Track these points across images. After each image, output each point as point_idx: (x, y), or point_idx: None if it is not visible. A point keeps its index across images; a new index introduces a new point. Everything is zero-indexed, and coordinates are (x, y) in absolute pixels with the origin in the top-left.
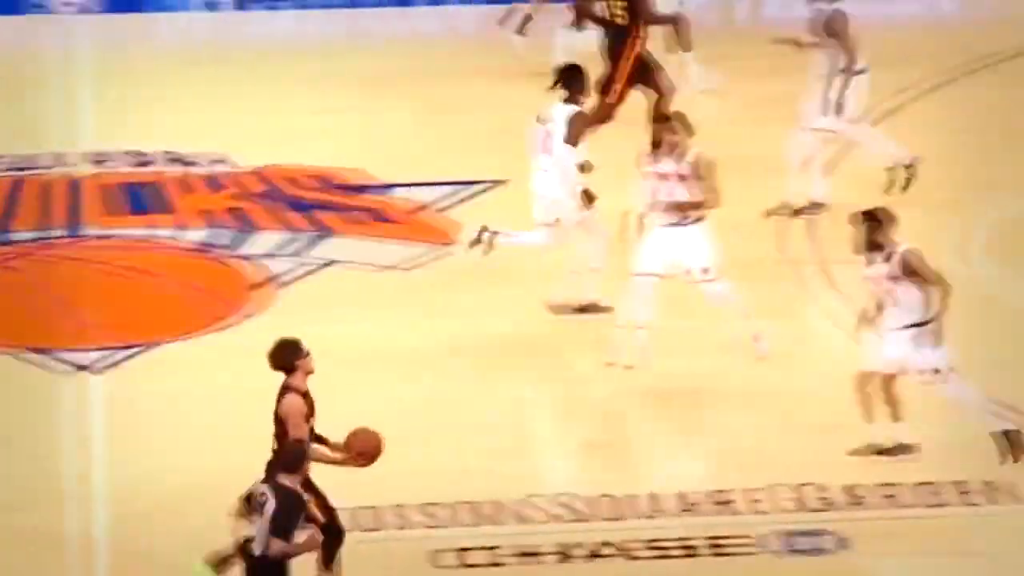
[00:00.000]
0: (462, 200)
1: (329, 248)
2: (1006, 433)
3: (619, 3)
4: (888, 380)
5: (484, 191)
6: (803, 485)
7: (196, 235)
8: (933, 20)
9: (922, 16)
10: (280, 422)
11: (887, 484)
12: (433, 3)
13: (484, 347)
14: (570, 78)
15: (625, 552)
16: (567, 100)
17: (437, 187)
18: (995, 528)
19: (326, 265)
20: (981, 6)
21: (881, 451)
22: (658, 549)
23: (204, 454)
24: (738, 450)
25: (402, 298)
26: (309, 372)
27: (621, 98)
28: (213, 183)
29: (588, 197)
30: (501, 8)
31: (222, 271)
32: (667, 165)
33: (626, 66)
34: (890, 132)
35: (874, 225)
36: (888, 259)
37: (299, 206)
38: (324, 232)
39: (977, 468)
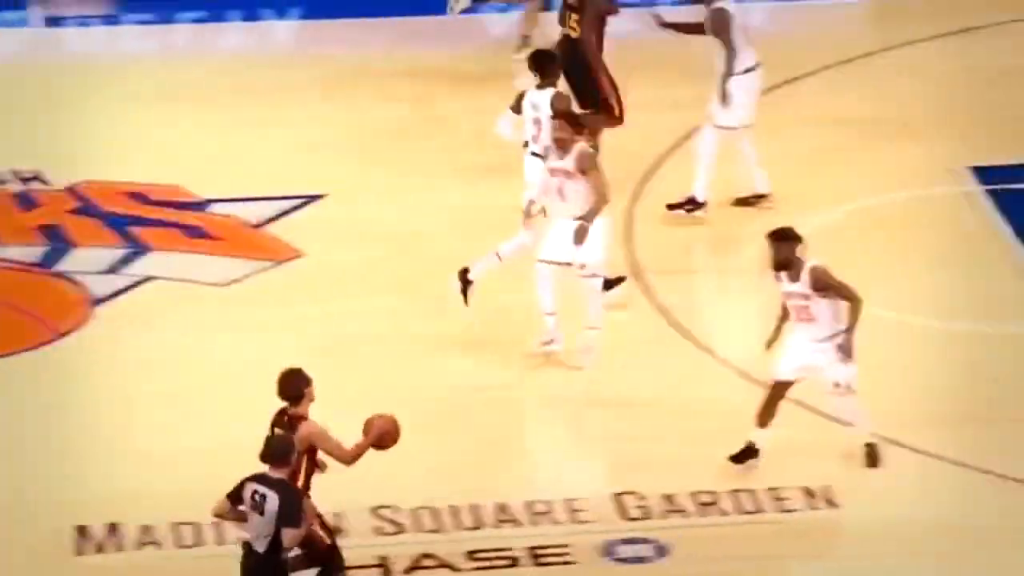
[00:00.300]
0: (279, 215)
1: (146, 264)
2: (868, 446)
3: (574, 16)
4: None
5: (302, 206)
6: (622, 494)
7: (10, 252)
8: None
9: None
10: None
11: (705, 492)
12: (247, 18)
13: (306, 363)
14: (542, 62)
15: (446, 564)
16: (541, 85)
17: (254, 203)
18: (809, 532)
19: (143, 281)
20: None
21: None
22: (479, 560)
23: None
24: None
25: (220, 314)
26: (312, 400)
27: (620, 100)
28: (26, 201)
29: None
30: (314, 23)
31: (37, 289)
32: (558, 161)
33: (605, 69)
34: None
35: (784, 244)
36: (798, 277)
37: (115, 222)
38: (141, 248)
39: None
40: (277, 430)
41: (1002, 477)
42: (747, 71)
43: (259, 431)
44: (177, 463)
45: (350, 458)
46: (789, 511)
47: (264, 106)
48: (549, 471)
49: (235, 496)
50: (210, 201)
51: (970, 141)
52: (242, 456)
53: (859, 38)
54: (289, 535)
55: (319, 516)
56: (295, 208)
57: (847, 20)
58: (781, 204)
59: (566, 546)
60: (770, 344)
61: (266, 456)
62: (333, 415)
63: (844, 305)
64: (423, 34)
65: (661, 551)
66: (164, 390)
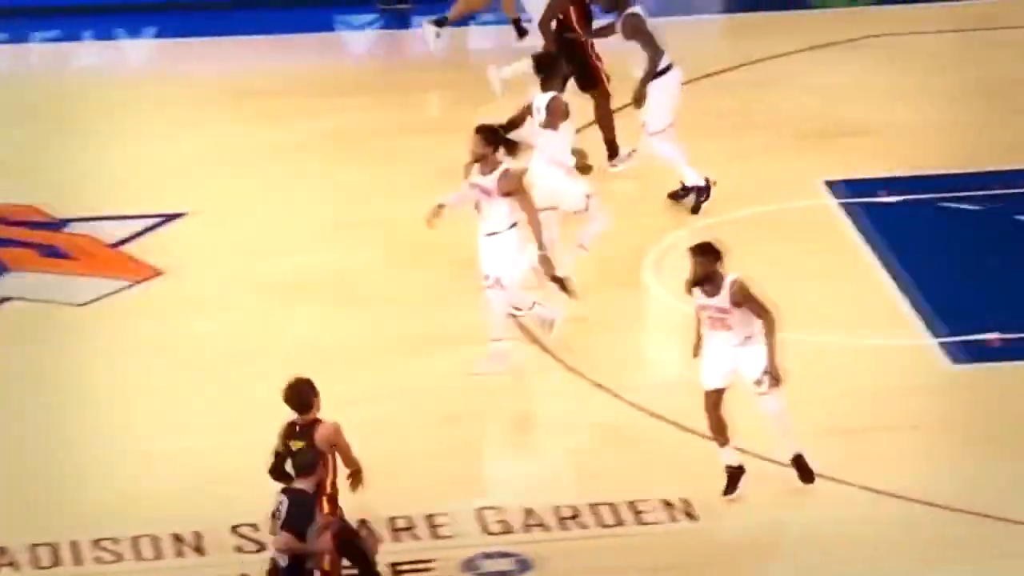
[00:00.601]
0: (137, 234)
1: (2, 285)
2: (795, 458)
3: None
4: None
5: (161, 224)
6: (484, 509)
7: None
8: None
9: None
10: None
11: (566, 506)
12: (101, 38)
13: (164, 382)
14: (545, 65)
15: None
16: (544, 87)
17: (111, 222)
18: (671, 546)
19: (1, 302)
20: None
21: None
22: None
23: None
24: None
25: (77, 333)
26: (319, 410)
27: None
28: None
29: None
30: (170, 42)
31: None
32: (479, 177)
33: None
34: None
35: (704, 258)
36: (718, 291)
37: None
38: None
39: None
40: (292, 442)
41: (865, 488)
42: (666, 70)
43: (119, 448)
44: (28, 481)
45: (356, 461)
46: (649, 524)
47: (120, 125)
48: (410, 486)
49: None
50: (67, 221)
51: (826, 156)
52: (97, 474)
53: (716, 54)
54: (282, 539)
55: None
56: (154, 227)
57: (704, 36)
58: (646, 218)
59: (428, 561)
60: (696, 352)
61: (294, 469)
62: (193, 434)
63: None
64: (284, 51)
65: (524, 565)
66: (20, 410)
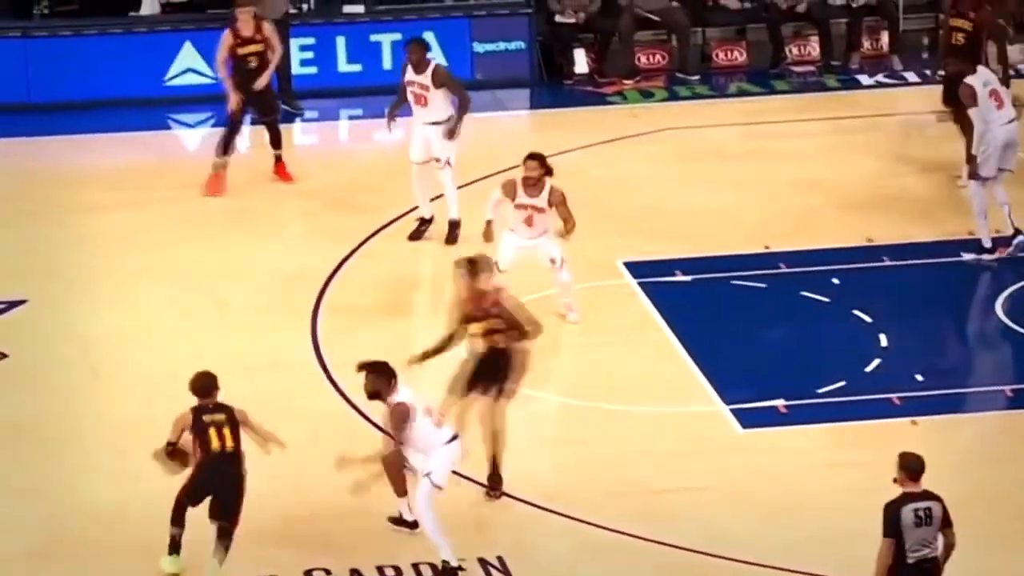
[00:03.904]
0: None
1: None
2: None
3: None
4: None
5: (4, 311)
6: (311, 571)
7: None
8: None
9: None
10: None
11: (389, 565)
12: None
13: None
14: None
15: None
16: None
17: None
18: None
19: None
20: None
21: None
22: None
23: None
24: None
25: None
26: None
27: None
28: None
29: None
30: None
31: None
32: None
33: None
34: None
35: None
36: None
37: None
38: None
39: None
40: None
41: (662, 544)
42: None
43: None
44: None
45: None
46: None
47: None
48: (244, 553)
49: None
50: None
51: (625, 239)
52: None
53: (523, 146)
54: None
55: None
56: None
57: (511, 130)
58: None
59: None
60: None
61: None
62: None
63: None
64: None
65: None
66: None
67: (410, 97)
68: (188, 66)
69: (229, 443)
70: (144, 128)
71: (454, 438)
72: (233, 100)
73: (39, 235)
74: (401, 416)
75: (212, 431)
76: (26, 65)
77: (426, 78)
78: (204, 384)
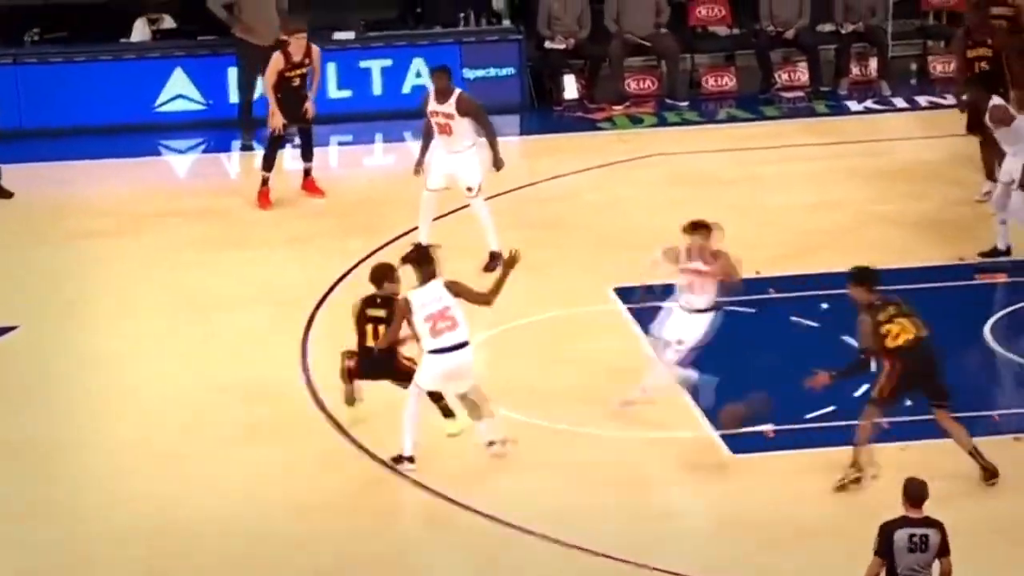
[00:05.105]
0: None
1: None
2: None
3: None
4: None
5: None
6: None
7: None
8: None
9: None
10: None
11: None
12: None
13: None
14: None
15: None
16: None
17: None
18: None
19: None
20: None
21: None
22: None
23: None
24: None
25: None
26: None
27: None
28: None
29: None
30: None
31: None
32: (696, 264)
33: None
34: None
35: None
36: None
37: None
38: None
39: None
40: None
41: (656, 570)
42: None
43: None
44: None
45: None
46: None
47: None
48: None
49: None
50: None
51: (615, 265)
52: None
53: (514, 172)
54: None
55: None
56: None
57: (503, 156)
58: None
59: None
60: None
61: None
62: (21, 528)
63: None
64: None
65: None
66: None
67: (434, 127)
68: (178, 92)
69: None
70: (135, 154)
71: (450, 349)
72: (276, 120)
73: (30, 261)
74: (399, 311)
75: (369, 327)
76: (17, 91)
77: (450, 107)
78: (374, 274)
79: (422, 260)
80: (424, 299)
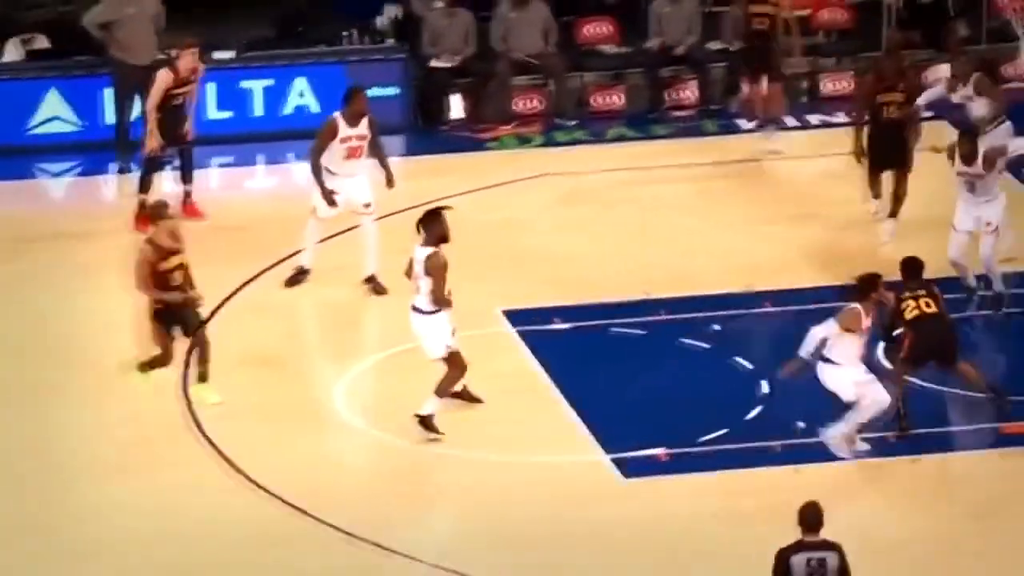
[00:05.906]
0: None
1: None
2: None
3: None
4: None
5: None
6: None
7: None
8: None
9: None
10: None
11: None
12: None
13: None
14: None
15: None
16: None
17: None
18: None
19: None
20: None
21: None
22: None
23: None
24: None
25: None
26: None
27: None
28: None
29: None
30: None
31: None
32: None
33: None
34: None
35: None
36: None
37: None
38: None
39: None
40: None
41: None
42: None
43: None
44: None
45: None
46: None
47: None
48: None
49: None
50: None
51: (503, 286)
52: None
53: (399, 194)
54: None
55: None
56: None
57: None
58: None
59: None
60: None
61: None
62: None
63: None
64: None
65: None
66: None
67: (342, 152)
68: (53, 114)
69: None
70: (7, 177)
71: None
72: (153, 141)
73: None
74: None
75: None
76: None
77: (363, 128)
78: None
79: (428, 223)
80: (419, 256)
